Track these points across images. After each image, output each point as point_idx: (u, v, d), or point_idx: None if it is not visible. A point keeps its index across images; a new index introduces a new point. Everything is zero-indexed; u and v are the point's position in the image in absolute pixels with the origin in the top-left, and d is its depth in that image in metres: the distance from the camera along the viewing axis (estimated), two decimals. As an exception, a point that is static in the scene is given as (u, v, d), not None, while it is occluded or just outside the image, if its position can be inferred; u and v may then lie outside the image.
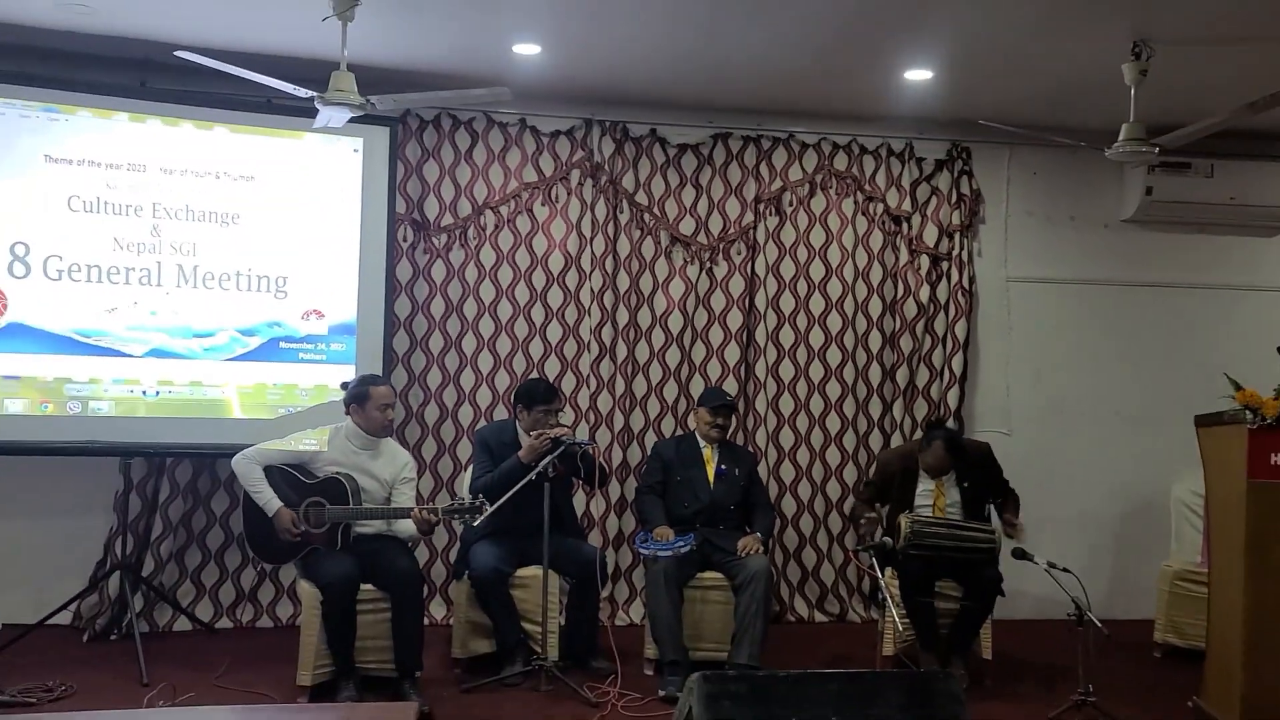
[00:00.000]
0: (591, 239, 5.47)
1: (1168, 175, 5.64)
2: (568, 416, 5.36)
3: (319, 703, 3.83)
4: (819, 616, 5.53)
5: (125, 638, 4.63)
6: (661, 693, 4.06)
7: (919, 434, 4.78)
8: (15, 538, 4.89)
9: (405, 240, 5.31)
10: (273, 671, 4.22)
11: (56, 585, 4.79)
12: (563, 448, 4.21)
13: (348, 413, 4.23)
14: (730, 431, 4.88)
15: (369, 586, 4.01)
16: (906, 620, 4.27)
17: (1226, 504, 3.94)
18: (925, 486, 4.53)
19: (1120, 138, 4.30)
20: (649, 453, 4.94)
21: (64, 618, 4.74)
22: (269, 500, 4.01)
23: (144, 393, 4.70)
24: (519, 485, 4.10)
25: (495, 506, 3.99)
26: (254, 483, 4.04)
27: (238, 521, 4.92)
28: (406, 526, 4.13)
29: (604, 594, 4.90)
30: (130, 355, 4.68)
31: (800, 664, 4.53)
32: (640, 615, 5.09)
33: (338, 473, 4.09)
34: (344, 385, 4.32)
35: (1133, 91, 4.29)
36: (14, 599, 4.81)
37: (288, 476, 4.10)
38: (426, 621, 4.35)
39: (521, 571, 4.35)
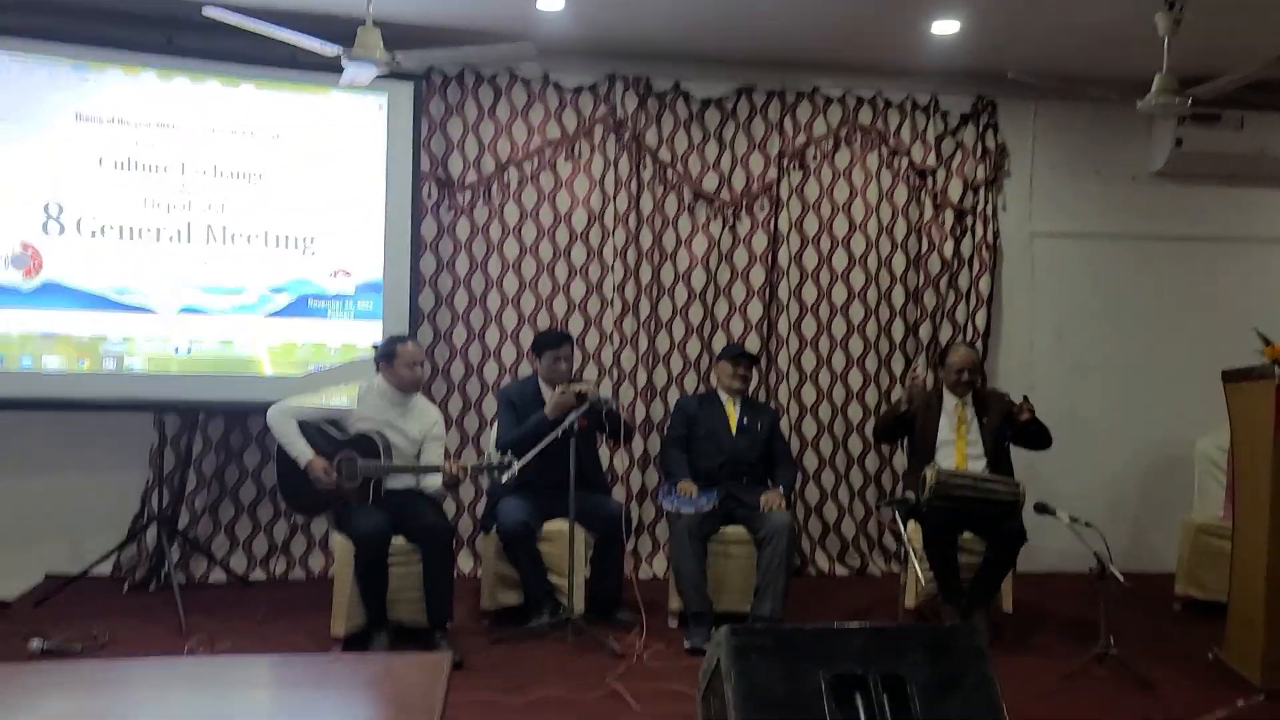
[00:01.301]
0: (615, 195, 5.47)
1: (1198, 127, 5.57)
2: (591, 373, 5.41)
3: (354, 652, 3.92)
4: (840, 570, 5.60)
5: (163, 588, 4.75)
6: (687, 644, 4.14)
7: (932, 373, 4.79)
8: (56, 491, 4.99)
9: (430, 197, 5.32)
10: (306, 622, 4.32)
11: (96, 537, 4.91)
12: (588, 404, 4.26)
13: (379, 371, 4.29)
14: (752, 386, 4.90)
15: (400, 540, 4.09)
16: (929, 573, 4.32)
17: (1253, 459, 3.95)
18: (947, 422, 4.57)
19: (1152, 90, 4.23)
20: (672, 408, 4.99)
21: (104, 569, 4.87)
22: (301, 451, 4.08)
23: (176, 350, 4.77)
24: (546, 441, 4.15)
25: (523, 463, 4.05)
26: (287, 434, 4.11)
27: (269, 476, 5.04)
28: (433, 482, 4.21)
29: (628, 547, 4.96)
30: (162, 313, 4.75)
31: (822, 616, 4.60)
32: (664, 568, 5.17)
33: (369, 429, 4.15)
34: (375, 346, 4.40)
35: (1165, 42, 4.22)
36: (56, 550, 4.95)
37: (321, 432, 4.17)
38: (455, 574, 4.43)
39: (548, 526, 4.42)
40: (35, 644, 3.93)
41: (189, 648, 4.02)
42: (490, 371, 5.42)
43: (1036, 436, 4.55)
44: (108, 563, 4.90)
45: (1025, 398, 4.51)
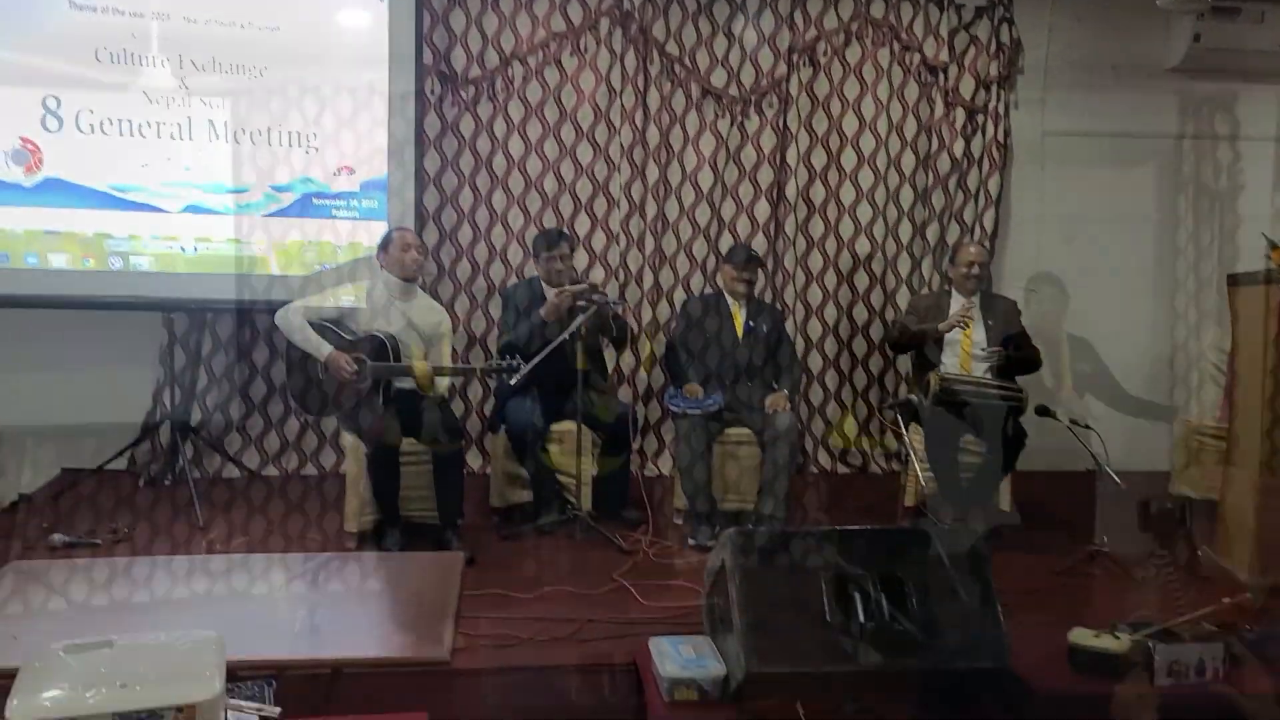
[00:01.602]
0: (621, 92, 5.37)
1: (1217, 21, 5.41)
2: (598, 275, 5.40)
3: (369, 549, 4.02)
4: (841, 468, 5.69)
5: (178, 483, 4.85)
6: (692, 542, 4.23)
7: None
8: (68, 388, 5.01)
9: (433, 92, 5.23)
10: (320, 517, 4.42)
11: (110, 433, 4.97)
12: (594, 308, 4.27)
13: (381, 266, 4.31)
14: (758, 288, 4.89)
15: (410, 440, 4.15)
16: (929, 474, 4.39)
17: (1252, 363, 3.98)
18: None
19: (1174, -16, 4.12)
20: (678, 310, 4.99)
21: (119, 464, 4.97)
22: (319, 346, 4.09)
23: (182, 249, 4.76)
24: (552, 345, 4.18)
25: (531, 366, 4.08)
26: (300, 333, 4.12)
27: (279, 373, 5.09)
28: (440, 383, 4.25)
29: (634, 446, 5.04)
30: (167, 211, 4.72)
31: (823, 514, 4.71)
32: (669, 466, 5.26)
33: (378, 331, 4.18)
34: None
35: (1190, -65, 4.09)
36: (71, 445, 5.01)
37: (330, 334, 4.18)
38: (464, 472, 4.51)
39: (555, 426, 4.47)
40: (56, 538, 4.03)
41: (208, 543, 4.13)
42: (496, 272, 5.42)
43: (1025, 365, 4.58)
44: (123, 458, 4.99)
45: (998, 350, 4.48)
